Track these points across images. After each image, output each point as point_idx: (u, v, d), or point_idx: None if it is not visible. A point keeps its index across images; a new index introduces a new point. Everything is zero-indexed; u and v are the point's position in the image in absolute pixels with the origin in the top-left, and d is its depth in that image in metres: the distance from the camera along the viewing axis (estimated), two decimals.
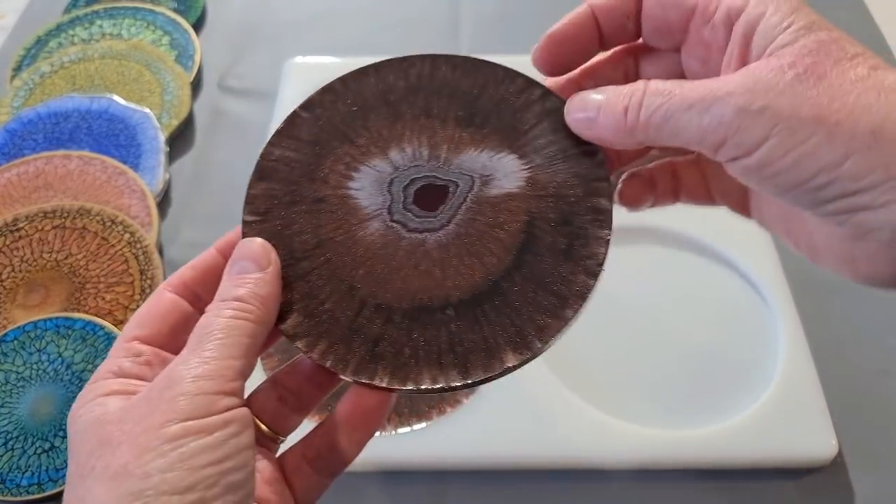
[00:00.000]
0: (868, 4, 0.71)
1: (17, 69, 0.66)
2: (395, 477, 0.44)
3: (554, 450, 0.43)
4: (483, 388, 0.45)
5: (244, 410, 0.22)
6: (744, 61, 0.23)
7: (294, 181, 0.27)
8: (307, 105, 0.29)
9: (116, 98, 0.61)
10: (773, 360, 0.46)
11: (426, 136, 0.28)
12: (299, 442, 0.27)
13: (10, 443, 0.44)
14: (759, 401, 0.44)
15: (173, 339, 0.25)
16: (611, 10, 0.26)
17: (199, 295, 0.26)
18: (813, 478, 0.43)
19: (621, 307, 0.49)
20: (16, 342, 0.48)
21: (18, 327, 0.48)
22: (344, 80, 0.29)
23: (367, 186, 0.27)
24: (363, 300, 0.25)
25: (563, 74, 0.28)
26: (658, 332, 0.48)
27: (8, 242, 0.52)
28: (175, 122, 0.61)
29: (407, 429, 0.44)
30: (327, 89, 0.29)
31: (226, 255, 0.26)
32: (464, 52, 0.68)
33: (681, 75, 0.27)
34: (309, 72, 0.64)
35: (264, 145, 0.28)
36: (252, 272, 0.24)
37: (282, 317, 0.25)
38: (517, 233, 0.25)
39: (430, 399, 0.45)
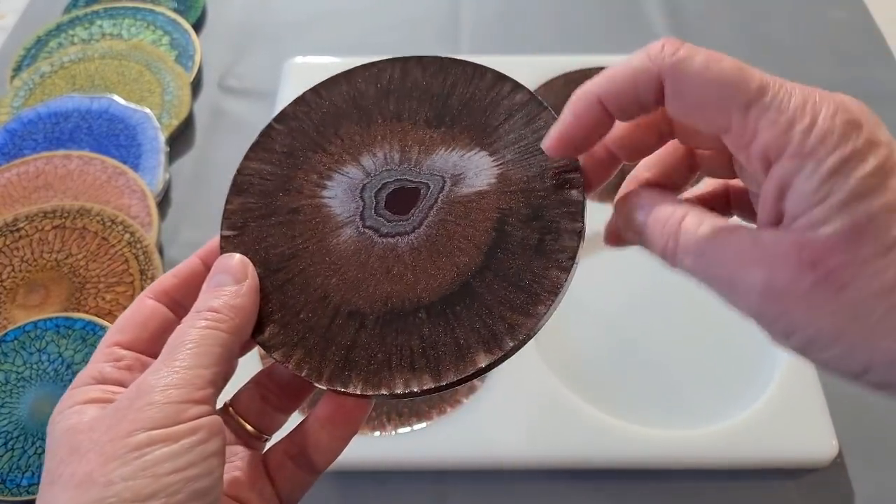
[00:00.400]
0: (868, 5, 0.71)
1: (17, 69, 0.66)
2: (395, 477, 0.44)
3: (554, 450, 0.43)
4: (483, 387, 0.45)
5: (214, 418, 0.22)
6: (777, 209, 0.21)
7: (269, 193, 0.27)
8: (280, 117, 0.29)
9: (116, 98, 0.61)
10: (773, 360, 0.46)
11: (397, 139, 0.28)
12: (282, 439, 0.27)
13: (11, 443, 0.44)
14: (759, 401, 0.44)
15: (153, 344, 0.25)
16: (621, 98, 0.23)
17: (181, 302, 0.26)
18: (813, 478, 0.43)
19: (621, 307, 0.49)
20: (16, 342, 0.48)
21: (19, 327, 0.48)
22: (316, 90, 0.29)
23: (339, 194, 0.27)
24: (336, 308, 0.25)
25: (578, 155, 0.26)
26: (658, 332, 0.48)
27: (8, 242, 0.52)
28: (175, 122, 0.61)
29: (407, 429, 0.44)
30: (300, 100, 0.29)
31: (207, 262, 0.26)
32: (464, 53, 0.68)
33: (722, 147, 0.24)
34: (309, 72, 0.64)
35: (241, 160, 0.28)
36: (229, 285, 0.25)
37: (259, 328, 0.25)
38: (488, 230, 0.25)
39: (430, 399, 0.45)
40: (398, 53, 0.30)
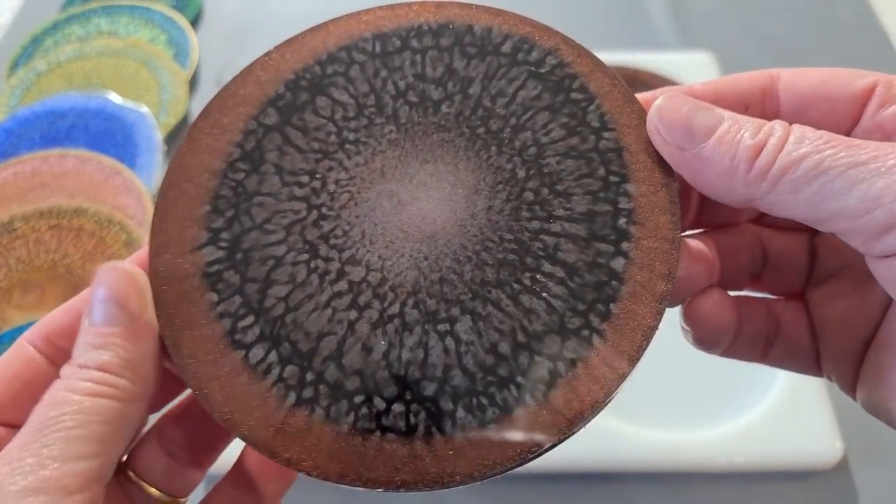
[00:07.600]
0: (873, 4, 0.71)
1: (14, 67, 0.66)
2: None
3: (555, 452, 0.43)
4: None
5: None
6: None
7: None
8: None
9: (113, 96, 0.61)
10: None
11: None
12: (209, 494, 0.22)
13: None
14: (763, 404, 0.44)
15: (19, 411, 0.19)
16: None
17: (67, 351, 0.18)
18: (817, 480, 0.43)
19: None
20: (12, 342, 0.47)
21: (15, 327, 0.48)
22: None
23: None
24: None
25: None
26: (662, 334, 0.48)
27: (4, 242, 0.52)
28: (172, 121, 0.61)
29: None
30: None
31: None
32: None
33: None
34: None
35: None
36: (119, 323, 0.17)
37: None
38: None
39: None
40: None
